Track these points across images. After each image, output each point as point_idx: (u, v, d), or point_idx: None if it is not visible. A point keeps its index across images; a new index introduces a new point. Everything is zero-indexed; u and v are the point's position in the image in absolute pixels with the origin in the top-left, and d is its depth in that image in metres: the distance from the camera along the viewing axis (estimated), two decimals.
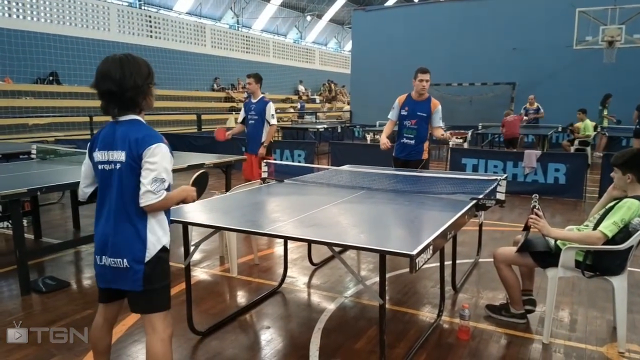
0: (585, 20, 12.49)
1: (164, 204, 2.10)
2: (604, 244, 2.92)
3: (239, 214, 3.16)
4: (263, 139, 6.18)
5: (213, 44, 22.40)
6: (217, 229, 2.91)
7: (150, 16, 19.62)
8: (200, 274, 4.45)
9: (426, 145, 5.23)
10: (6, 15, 14.83)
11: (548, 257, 3.16)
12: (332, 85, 28.72)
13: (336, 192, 3.82)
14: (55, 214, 6.74)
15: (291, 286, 4.16)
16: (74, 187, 3.71)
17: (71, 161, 5.56)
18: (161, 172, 2.06)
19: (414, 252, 2.14)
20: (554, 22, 14.48)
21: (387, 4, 28.85)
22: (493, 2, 15.87)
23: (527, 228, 3.15)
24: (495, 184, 3.54)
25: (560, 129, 13.20)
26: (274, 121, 6.21)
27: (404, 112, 5.18)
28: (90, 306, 3.63)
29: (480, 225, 5.05)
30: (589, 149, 11.03)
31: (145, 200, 2.05)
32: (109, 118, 2.18)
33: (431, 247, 2.33)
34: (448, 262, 3.95)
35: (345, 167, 5.12)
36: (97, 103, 2.15)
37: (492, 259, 3.47)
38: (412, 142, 5.16)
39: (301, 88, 27.25)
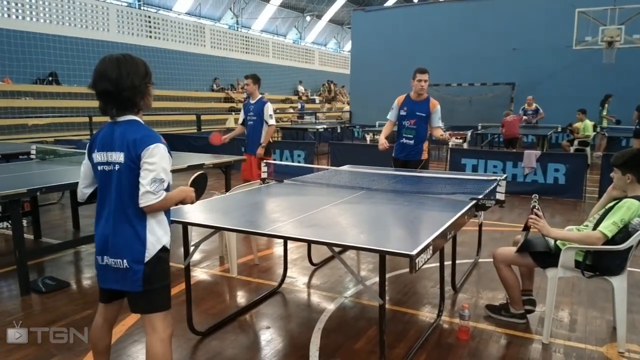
0: (585, 20, 12.50)
1: (164, 204, 2.10)
2: (603, 244, 2.92)
3: (239, 214, 3.16)
4: (262, 140, 6.18)
5: (212, 44, 22.40)
6: (217, 229, 2.91)
7: (149, 16, 19.61)
8: (200, 274, 4.45)
9: (426, 145, 5.24)
10: (5, 15, 14.83)
11: (548, 257, 3.16)
12: (332, 86, 28.72)
13: (336, 192, 3.82)
14: (55, 214, 6.74)
15: (291, 286, 4.16)
16: (73, 187, 3.70)
17: (71, 161, 5.55)
18: (160, 172, 2.06)
19: (414, 252, 2.14)
20: (553, 22, 14.50)
21: (386, 4, 28.86)
22: (493, 2, 15.89)
23: (526, 228, 3.15)
24: (495, 184, 3.54)
25: (559, 129, 13.22)
26: (272, 121, 6.19)
27: (403, 113, 5.18)
28: (90, 306, 3.63)
29: (480, 226, 5.06)
30: (588, 149, 11.03)
31: (145, 201, 2.05)
32: (108, 118, 2.18)
33: (431, 247, 2.33)
34: (448, 262, 3.95)
35: (345, 168, 5.12)
36: (97, 103, 2.14)
37: (491, 259, 3.47)
38: (412, 142, 5.16)
39: (301, 88, 27.25)
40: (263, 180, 4.22)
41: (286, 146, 10.45)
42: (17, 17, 15.09)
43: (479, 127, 13.82)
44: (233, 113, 17.37)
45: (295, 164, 8.58)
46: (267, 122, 6.16)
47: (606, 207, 3.08)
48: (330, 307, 3.72)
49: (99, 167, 2.16)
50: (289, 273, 4.30)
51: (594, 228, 3.00)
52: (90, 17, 17.04)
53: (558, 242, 3.15)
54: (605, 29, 12.03)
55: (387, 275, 3.84)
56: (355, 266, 4.49)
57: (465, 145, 11.18)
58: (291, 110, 22.87)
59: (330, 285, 4.18)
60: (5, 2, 14.76)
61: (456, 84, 16.17)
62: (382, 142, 5.13)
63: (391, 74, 15.91)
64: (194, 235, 4.14)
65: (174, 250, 3.39)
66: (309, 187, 4.13)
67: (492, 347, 3.14)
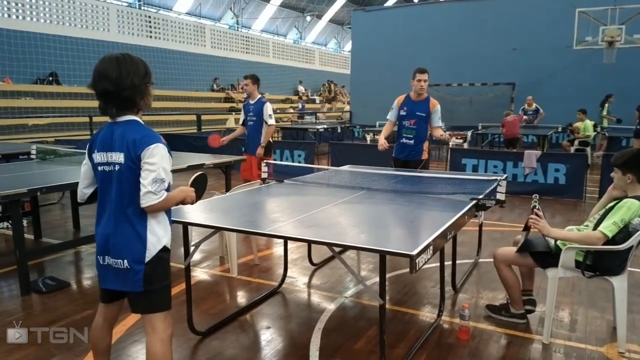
0: (585, 20, 12.50)
1: (165, 204, 2.10)
2: (604, 244, 2.92)
3: (239, 214, 3.16)
4: (261, 140, 6.17)
5: (213, 44, 22.39)
6: (217, 229, 2.91)
7: (149, 16, 19.61)
8: (200, 274, 4.45)
9: (426, 145, 5.23)
10: (6, 15, 14.83)
11: (548, 257, 3.16)
12: (332, 86, 28.71)
13: (336, 192, 3.82)
14: (55, 214, 6.74)
15: (291, 286, 4.16)
16: (73, 187, 3.69)
17: (71, 161, 5.55)
18: (160, 172, 2.05)
19: (414, 253, 2.14)
20: (554, 22, 14.50)
21: (387, 4, 28.85)
22: (493, 2, 15.89)
23: (527, 228, 3.15)
24: (495, 184, 3.54)
25: (560, 129, 13.21)
26: (271, 121, 6.19)
27: (402, 112, 5.18)
28: (90, 306, 3.63)
29: (480, 226, 5.06)
30: (588, 149, 11.03)
31: (146, 201, 2.05)
32: (108, 119, 2.18)
33: (431, 248, 2.33)
34: (448, 263, 3.95)
35: (345, 168, 5.12)
36: (97, 103, 2.14)
37: (492, 259, 3.47)
38: (412, 142, 5.16)
39: (301, 88, 27.24)
40: (263, 180, 4.22)
41: (286, 146, 10.45)
42: (17, 17, 15.09)
43: (479, 127, 13.83)
44: (233, 113, 17.36)
45: (296, 164, 8.58)
46: (266, 122, 6.16)
47: (606, 207, 3.08)
48: (331, 307, 3.72)
49: (99, 168, 2.16)
50: (289, 273, 4.30)
51: (594, 228, 3.00)
52: (90, 17, 17.04)
53: (558, 242, 3.15)
54: (606, 28, 12.03)
55: (388, 275, 3.84)
56: (355, 266, 4.49)
57: (465, 145, 11.17)
58: (291, 110, 22.86)
59: (330, 285, 4.18)
60: (5, 2, 14.76)
61: (456, 84, 16.17)
62: (382, 142, 5.13)
63: (391, 74, 15.92)
64: (194, 235, 4.14)
65: (174, 250, 3.39)
66: (309, 187, 4.13)
67: (493, 347, 3.14)
